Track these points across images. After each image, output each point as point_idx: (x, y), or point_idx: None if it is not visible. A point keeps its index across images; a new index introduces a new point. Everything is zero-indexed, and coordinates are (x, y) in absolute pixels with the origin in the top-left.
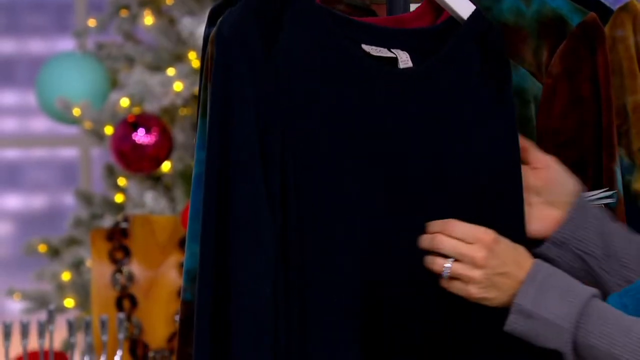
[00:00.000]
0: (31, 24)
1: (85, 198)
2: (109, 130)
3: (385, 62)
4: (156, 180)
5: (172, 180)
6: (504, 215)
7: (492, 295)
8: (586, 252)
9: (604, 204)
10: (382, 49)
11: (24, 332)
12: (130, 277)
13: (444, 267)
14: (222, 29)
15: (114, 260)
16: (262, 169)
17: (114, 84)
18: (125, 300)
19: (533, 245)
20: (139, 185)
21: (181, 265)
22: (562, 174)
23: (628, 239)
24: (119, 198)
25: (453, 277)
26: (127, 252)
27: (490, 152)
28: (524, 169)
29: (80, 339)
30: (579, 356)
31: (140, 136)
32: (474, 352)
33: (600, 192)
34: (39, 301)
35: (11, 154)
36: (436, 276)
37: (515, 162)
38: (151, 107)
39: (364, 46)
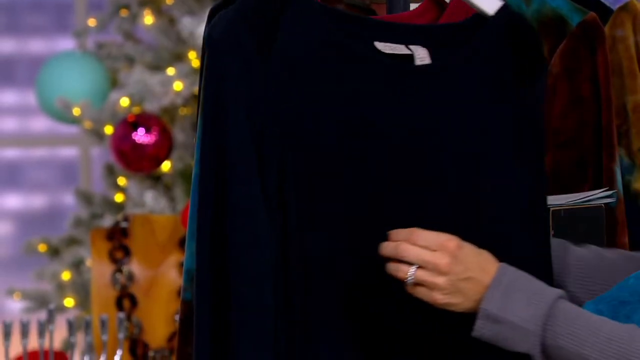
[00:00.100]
0: (31, 23)
1: (85, 198)
2: (109, 129)
3: (401, 59)
4: (156, 179)
5: (172, 180)
6: (525, 223)
7: (457, 301)
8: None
9: (603, 203)
10: (398, 45)
11: (24, 331)
12: (130, 277)
13: (407, 274)
14: (213, 32)
15: (114, 260)
16: (258, 171)
17: (114, 83)
18: (125, 299)
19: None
20: (139, 184)
21: (181, 264)
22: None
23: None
24: (119, 197)
25: (417, 283)
26: (127, 252)
27: (513, 151)
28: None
29: (80, 339)
30: (549, 358)
31: (140, 136)
32: (474, 352)
33: (600, 192)
34: (39, 301)
35: (11, 153)
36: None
37: (538, 160)
38: (151, 106)
39: (376, 44)
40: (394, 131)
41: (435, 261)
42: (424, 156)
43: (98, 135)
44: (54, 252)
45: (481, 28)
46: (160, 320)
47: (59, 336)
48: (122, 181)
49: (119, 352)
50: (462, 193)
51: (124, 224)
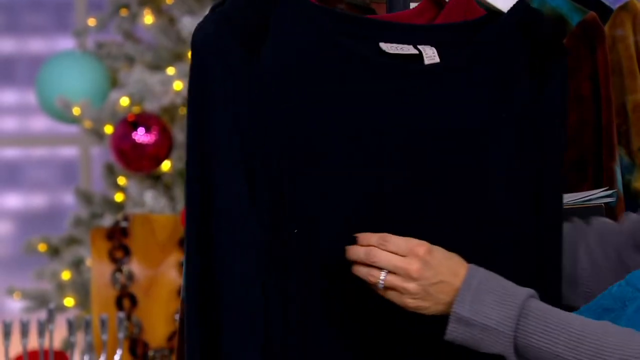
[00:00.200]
0: (31, 23)
1: (85, 197)
2: (108, 129)
3: (408, 59)
4: (156, 179)
5: (172, 179)
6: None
7: (428, 305)
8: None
9: (604, 203)
10: (405, 45)
11: (24, 331)
12: (130, 276)
13: (379, 279)
14: (197, 35)
15: (113, 259)
16: (246, 173)
17: (113, 83)
18: (125, 299)
19: None
20: (138, 184)
21: (181, 264)
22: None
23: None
24: (118, 197)
25: (389, 287)
26: (127, 251)
27: (525, 150)
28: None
29: (80, 338)
30: (523, 357)
31: (140, 135)
32: (466, 353)
33: (600, 192)
34: (39, 300)
35: (11, 153)
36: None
37: (554, 158)
38: (151, 106)
39: (381, 44)
40: (398, 131)
41: (405, 266)
42: (427, 156)
43: (98, 134)
44: (54, 251)
45: (493, 26)
46: (160, 320)
47: (58, 336)
48: (122, 181)
49: (118, 352)
50: (465, 194)
51: (123, 224)
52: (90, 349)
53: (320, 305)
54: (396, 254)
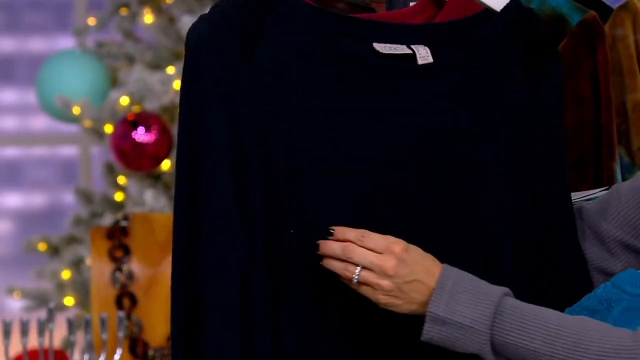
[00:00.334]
0: (31, 22)
1: (85, 196)
2: (108, 128)
3: (400, 59)
4: (156, 178)
5: (171, 179)
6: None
7: (400, 302)
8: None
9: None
10: (398, 45)
11: (24, 330)
12: (130, 276)
13: (354, 275)
14: (192, 34)
15: (113, 259)
16: (234, 174)
17: (113, 82)
18: (125, 298)
19: None
20: (138, 183)
21: None
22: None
23: None
24: (118, 196)
25: (363, 282)
26: (127, 251)
27: (520, 150)
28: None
29: (80, 338)
30: (500, 355)
31: (140, 134)
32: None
33: (600, 191)
34: (38, 299)
35: (11, 152)
36: None
37: (555, 156)
38: (151, 105)
39: (375, 44)
40: (394, 131)
41: (381, 264)
42: (424, 156)
43: (98, 134)
44: (54, 250)
45: (486, 24)
46: (160, 319)
47: (58, 335)
48: (122, 180)
49: (118, 351)
50: (463, 192)
51: (123, 223)
52: (90, 348)
53: (317, 305)
54: (373, 250)
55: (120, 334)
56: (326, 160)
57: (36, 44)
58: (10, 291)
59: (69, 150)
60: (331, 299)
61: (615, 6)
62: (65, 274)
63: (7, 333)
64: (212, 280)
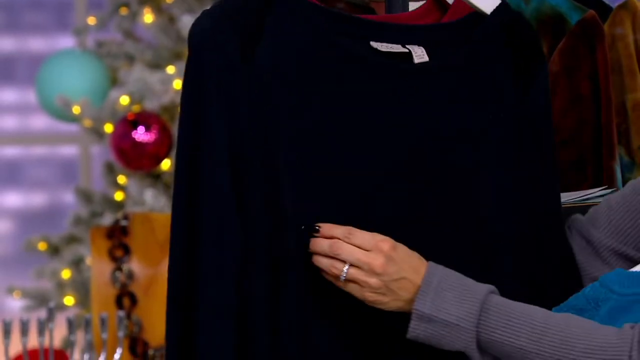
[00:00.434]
0: (31, 21)
1: (85, 196)
2: (108, 128)
3: (398, 58)
4: (156, 178)
5: (171, 178)
6: (525, 223)
7: (387, 300)
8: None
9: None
10: (394, 45)
11: (24, 330)
12: (130, 275)
13: (341, 272)
14: (195, 30)
15: (113, 258)
16: (232, 173)
17: (113, 81)
18: (125, 298)
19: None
20: (138, 183)
21: None
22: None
23: None
24: (118, 196)
25: (350, 280)
26: (127, 250)
27: (513, 149)
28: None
29: (80, 337)
30: (486, 353)
31: (140, 134)
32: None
33: (600, 190)
34: (38, 299)
35: (11, 151)
36: None
37: (543, 158)
38: (151, 104)
39: (372, 43)
40: (393, 130)
41: (369, 261)
42: (423, 155)
43: (98, 133)
44: (54, 250)
45: (478, 27)
46: (160, 319)
47: (58, 334)
48: (122, 179)
49: (118, 351)
50: (461, 192)
51: (123, 222)
52: (90, 347)
53: (317, 305)
54: (360, 248)
55: (120, 334)
56: (325, 160)
57: (36, 44)
58: (10, 291)
59: (69, 150)
60: (331, 298)
61: (614, 5)
62: (65, 274)
63: (7, 333)
64: (211, 280)
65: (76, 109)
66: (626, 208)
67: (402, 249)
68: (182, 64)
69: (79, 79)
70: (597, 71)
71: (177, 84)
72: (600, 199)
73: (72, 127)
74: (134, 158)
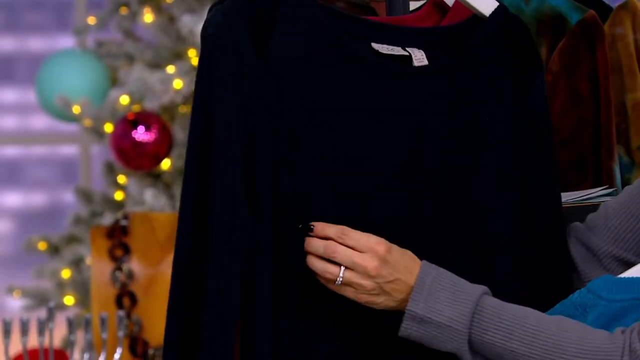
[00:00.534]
0: (31, 21)
1: (85, 195)
2: (108, 127)
3: (398, 60)
4: (156, 177)
5: (172, 178)
6: (525, 223)
7: (380, 300)
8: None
9: (603, 202)
10: (395, 47)
11: (24, 329)
12: (130, 275)
13: (337, 277)
14: (209, 26)
15: (113, 258)
16: (246, 170)
17: (113, 81)
18: (125, 297)
19: None
20: (138, 182)
21: None
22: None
23: None
24: (118, 195)
25: (345, 284)
26: (127, 250)
27: (512, 151)
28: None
29: (80, 337)
30: (478, 354)
31: (140, 134)
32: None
33: (600, 190)
34: (38, 299)
35: (11, 151)
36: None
37: (542, 160)
38: (151, 104)
39: (373, 44)
40: (392, 131)
41: (364, 264)
42: (422, 155)
43: (98, 133)
44: (54, 250)
45: (477, 30)
46: (160, 318)
47: (58, 334)
48: (122, 179)
49: (118, 350)
50: (460, 193)
51: (123, 222)
52: (90, 347)
53: (317, 305)
54: (354, 249)
55: (120, 333)
56: (325, 160)
57: (36, 44)
58: (10, 290)
59: (69, 150)
60: (330, 298)
61: (614, 5)
62: (65, 273)
63: (7, 332)
64: (219, 280)
65: (76, 109)
66: (624, 214)
67: (396, 250)
68: (182, 64)
69: (79, 78)
70: (597, 71)
71: (177, 84)
72: (600, 199)
73: (72, 127)
74: (134, 158)
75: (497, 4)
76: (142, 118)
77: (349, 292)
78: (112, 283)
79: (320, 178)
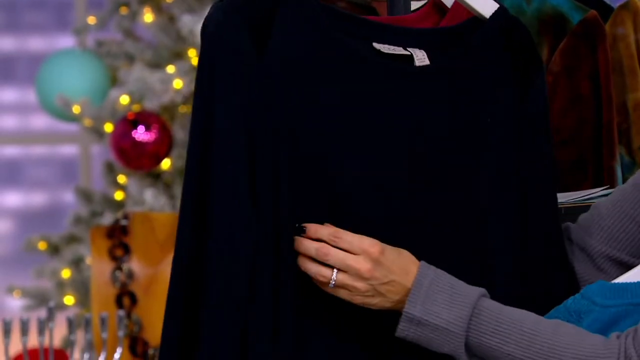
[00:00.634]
0: (31, 21)
1: (85, 195)
2: (108, 127)
3: (399, 60)
4: (156, 177)
5: (171, 178)
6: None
7: (376, 301)
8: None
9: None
10: (396, 47)
11: (24, 329)
12: (130, 275)
13: (330, 280)
14: (208, 25)
15: (113, 258)
16: (247, 170)
17: (113, 81)
18: (125, 297)
19: None
20: (138, 182)
21: None
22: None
23: None
24: (118, 195)
25: (338, 286)
26: (127, 250)
27: (513, 152)
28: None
29: (80, 337)
30: (474, 356)
31: (140, 133)
32: None
33: (600, 190)
34: (38, 298)
35: (11, 151)
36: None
37: (542, 161)
38: (151, 104)
39: (375, 44)
40: (394, 131)
41: (357, 266)
42: (423, 156)
43: (98, 133)
44: (54, 249)
45: (477, 31)
46: (160, 318)
47: (58, 334)
48: (122, 179)
49: (118, 350)
50: (460, 194)
51: (123, 222)
52: (90, 347)
53: (316, 305)
54: (348, 251)
55: (120, 333)
56: (325, 159)
57: (36, 43)
58: (10, 290)
59: (69, 150)
60: (328, 298)
61: (615, 5)
62: (65, 273)
63: (7, 332)
64: (222, 279)
65: (76, 109)
66: (617, 214)
67: (390, 251)
68: (182, 64)
69: (78, 78)
70: (598, 71)
71: (177, 84)
72: (600, 199)
73: (72, 127)
74: (134, 157)
75: (497, 5)
76: (142, 118)
77: (343, 294)
78: (112, 283)
79: (321, 178)
